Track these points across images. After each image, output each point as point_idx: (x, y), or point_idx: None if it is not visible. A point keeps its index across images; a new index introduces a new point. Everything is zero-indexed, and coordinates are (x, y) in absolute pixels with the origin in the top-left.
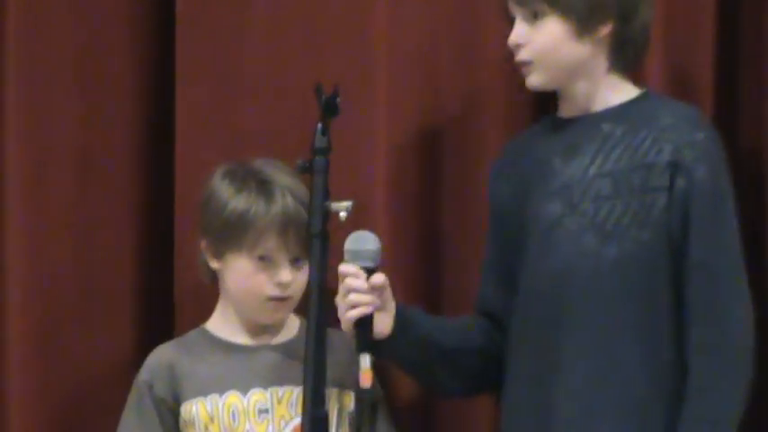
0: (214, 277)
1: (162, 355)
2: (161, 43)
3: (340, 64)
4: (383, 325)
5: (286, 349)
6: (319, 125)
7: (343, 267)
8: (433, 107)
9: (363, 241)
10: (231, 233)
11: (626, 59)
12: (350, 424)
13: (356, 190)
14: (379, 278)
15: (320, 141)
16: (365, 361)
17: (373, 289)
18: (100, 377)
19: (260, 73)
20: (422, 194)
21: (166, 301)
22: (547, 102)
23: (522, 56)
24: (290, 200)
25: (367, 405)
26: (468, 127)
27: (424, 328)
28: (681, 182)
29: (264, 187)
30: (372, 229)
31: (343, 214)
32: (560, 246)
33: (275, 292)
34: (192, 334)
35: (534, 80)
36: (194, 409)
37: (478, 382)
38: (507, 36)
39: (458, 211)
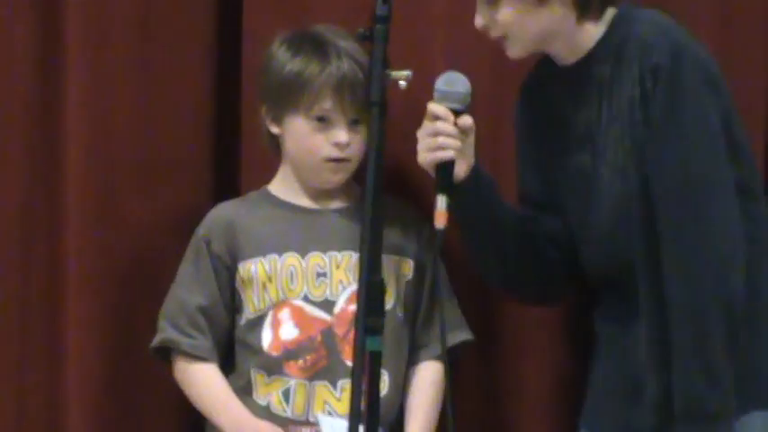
0: (276, 143)
1: (222, 212)
2: None
3: None
4: (459, 170)
5: (346, 214)
6: None
7: (433, 107)
8: None
9: (455, 83)
10: (288, 95)
11: (592, 4)
12: (407, 292)
13: (415, 60)
14: (467, 120)
15: (381, 9)
16: (442, 202)
17: (460, 132)
18: (161, 237)
19: None
20: (475, 61)
21: (233, 170)
22: None
23: (493, 33)
24: (345, 61)
25: (438, 246)
26: None
27: (494, 192)
28: (646, 111)
29: (320, 49)
30: (428, 98)
31: (402, 83)
32: (599, 197)
33: (333, 152)
34: (254, 194)
35: (513, 52)
36: (253, 268)
37: (521, 270)
38: None
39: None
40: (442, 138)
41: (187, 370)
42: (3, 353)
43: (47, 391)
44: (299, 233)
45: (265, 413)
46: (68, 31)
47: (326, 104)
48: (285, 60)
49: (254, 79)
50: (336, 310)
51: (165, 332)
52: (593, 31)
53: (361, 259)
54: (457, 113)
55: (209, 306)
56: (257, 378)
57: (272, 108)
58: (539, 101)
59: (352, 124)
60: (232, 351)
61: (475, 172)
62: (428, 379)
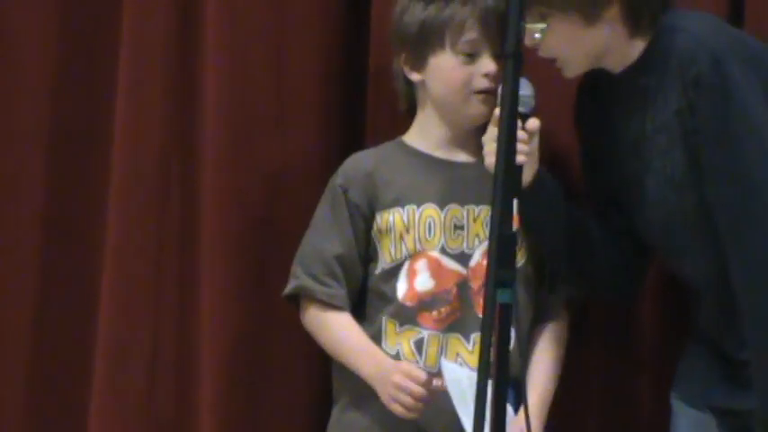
0: (411, 95)
1: (360, 162)
2: None
3: None
4: (526, 174)
5: (483, 168)
6: None
7: (498, 113)
8: None
9: (520, 86)
10: (431, 34)
11: (643, 21)
12: None
13: None
14: (534, 123)
15: None
16: (513, 206)
17: (529, 135)
18: (291, 182)
19: None
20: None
21: (360, 115)
22: None
23: (543, 54)
24: None
25: (512, 247)
26: None
27: (559, 195)
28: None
29: None
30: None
31: (537, 36)
32: (649, 207)
33: (482, 83)
34: (390, 144)
35: (568, 73)
36: (391, 218)
37: (591, 267)
38: None
39: None
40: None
41: (320, 317)
42: (140, 289)
43: (180, 328)
44: (438, 185)
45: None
46: None
47: (473, 36)
48: (423, 4)
49: (383, 27)
50: (472, 263)
51: (300, 279)
52: (641, 41)
53: (493, 211)
54: (524, 117)
55: (344, 255)
56: (388, 326)
57: (412, 54)
58: (592, 106)
59: (498, 57)
60: (363, 300)
61: (540, 176)
62: (551, 337)
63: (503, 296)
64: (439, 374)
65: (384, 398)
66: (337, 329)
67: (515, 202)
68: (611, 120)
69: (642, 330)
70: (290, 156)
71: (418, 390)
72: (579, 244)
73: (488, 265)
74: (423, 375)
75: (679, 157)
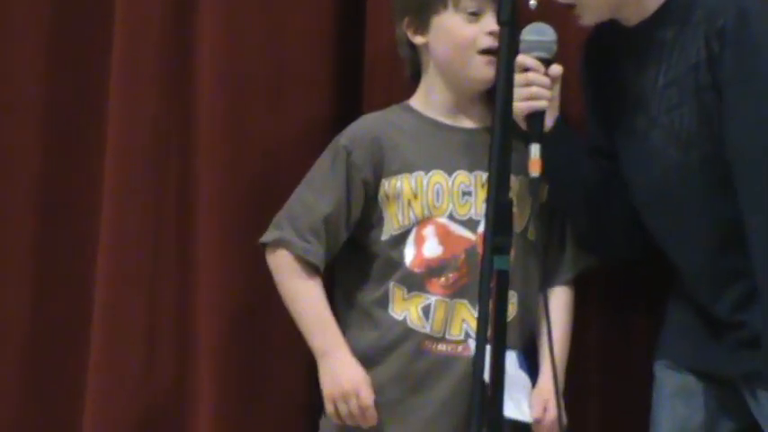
0: (417, 63)
1: (367, 124)
2: None
3: None
4: (547, 120)
5: (487, 134)
6: None
7: (524, 59)
8: None
9: (541, 32)
10: None
11: None
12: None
13: None
14: (556, 69)
15: None
16: (536, 150)
17: (552, 81)
18: (289, 151)
19: None
20: None
21: (357, 80)
22: None
23: (563, 0)
24: None
25: (536, 192)
26: None
27: (578, 143)
28: (717, 74)
29: None
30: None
31: (532, 2)
32: (650, 162)
33: (487, 41)
34: (397, 108)
35: (585, 20)
36: (399, 184)
37: (607, 219)
38: None
39: None
40: (535, 88)
41: (292, 268)
42: (137, 263)
43: (177, 301)
44: (446, 151)
45: (401, 327)
46: None
47: None
48: None
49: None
50: (480, 229)
51: (284, 231)
52: None
53: (490, 177)
54: (546, 63)
55: (332, 214)
56: (396, 292)
57: (415, 17)
58: (600, 61)
59: None
60: (370, 264)
61: (560, 122)
62: (561, 303)
63: (500, 262)
64: (443, 340)
65: (326, 388)
66: (304, 292)
67: (538, 147)
68: (621, 74)
69: (638, 309)
70: (289, 128)
71: (359, 415)
72: (598, 195)
73: (485, 231)
74: (371, 403)
75: (688, 113)
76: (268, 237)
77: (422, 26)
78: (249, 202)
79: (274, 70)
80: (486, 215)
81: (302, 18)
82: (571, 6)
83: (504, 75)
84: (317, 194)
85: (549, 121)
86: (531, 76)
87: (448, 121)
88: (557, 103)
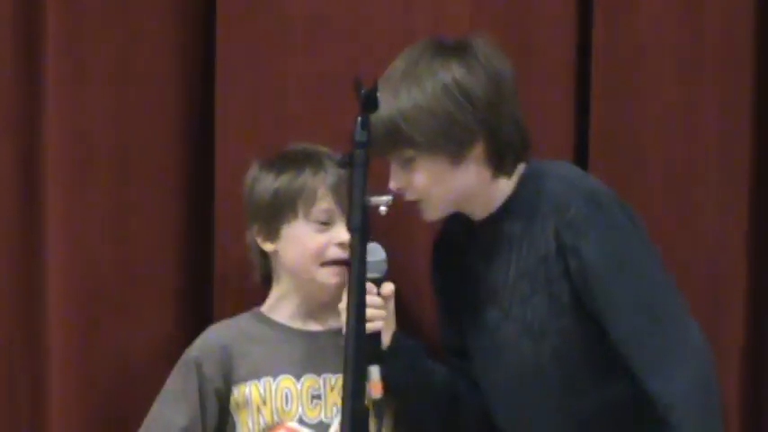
0: (267, 268)
1: (215, 335)
2: (202, 35)
3: (380, 56)
4: (384, 338)
5: (339, 336)
6: (359, 119)
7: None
8: None
9: (370, 253)
10: (284, 204)
11: (506, 162)
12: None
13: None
14: (388, 288)
15: (360, 135)
16: (375, 372)
17: (384, 300)
18: (141, 365)
19: (300, 65)
20: None
21: (206, 290)
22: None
23: (409, 197)
24: (336, 166)
25: (381, 414)
26: None
27: (419, 354)
28: (573, 263)
29: (310, 157)
30: (410, 222)
31: (383, 209)
32: (504, 354)
33: (336, 252)
34: (247, 316)
35: (429, 215)
36: (247, 390)
37: (456, 425)
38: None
39: None
40: (369, 310)
41: None
42: None
43: None
44: (294, 355)
45: None
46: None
47: (325, 205)
48: (272, 178)
49: (229, 196)
50: (332, 431)
51: None
52: (504, 186)
53: (344, 384)
54: (378, 282)
55: (188, 427)
56: None
57: (265, 225)
58: (449, 258)
59: None
60: None
61: (397, 337)
62: None
63: None
64: None
65: None
66: None
67: (377, 368)
68: (473, 267)
69: None
70: (140, 338)
71: None
72: (447, 400)
73: None
74: None
75: (539, 303)
76: None
77: (272, 234)
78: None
79: (122, 281)
80: (342, 421)
81: (149, 229)
82: (416, 203)
83: (357, 281)
84: (172, 409)
85: (386, 338)
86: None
87: (299, 326)
88: (392, 319)
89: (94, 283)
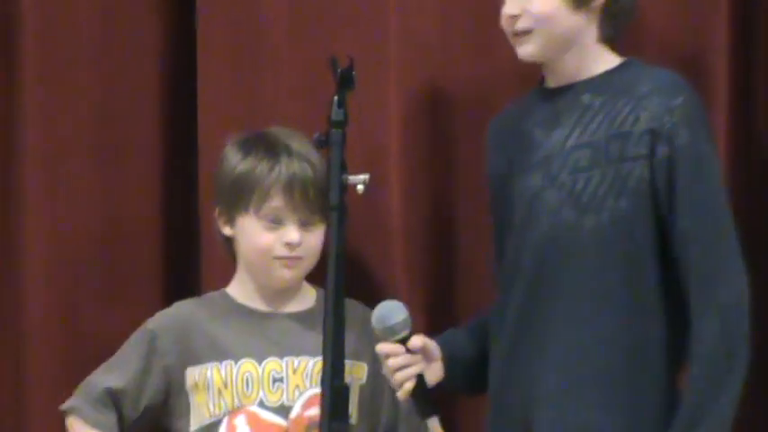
0: (230, 246)
1: (178, 311)
2: (181, 22)
3: (354, 37)
4: (435, 373)
5: (302, 319)
6: (335, 98)
7: (380, 349)
8: (445, 78)
9: (389, 316)
10: (238, 195)
11: (615, 29)
12: (361, 396)
13: (370, 161)
14: (417, 342)
15: (336, 114)
16: (433, 423)
17: (416, 354)
18: None
19: (279, 45)
20: (433, 164)
21: (189, 276)
22: None
23: (521, 24)
24: (296, 160)
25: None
26: (480, 98)
27: (466, 350)
28: (662, 149)
29: (271, 149)
30: (386, 199)
31: (360, 187)
32: (540, 219)
33: (283, 251)
34: (213, 295)
35: (529, 49)
36: (208, 373)
37: None
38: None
39: (470, 180)
40: (399, 374)
41: None
42: None
43: None
44: (256, 338)
45: None
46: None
47: (276, 204)
48: (236, 161)
49: (212, 182)
50: (293, 415)
51: (76, 399)
52: (599, 61)
53: (324, 363)
54: (404, 341)
55: (118, 389)
56: None
57: (224, 210)
58: (506, 127)
59: (305, 224)
60: None
61: (446, 354)
62: None
63: None
64: None
65: None
66: None
67: (435, 419)
68: (526, 136)
69: None
70: (117, 324)
71: None
72: (482, 368)
73: (321, 416)
74: None
75: (597, 178)
76: (64, 405)
77: (230, 220)
78: None
79: (105, 272)
80: (323, 400)
81: (133, 217)
82: (524, 33)
83: (335, 259)
84: (104, 371)
85: (437, 369)
86: (391, 363)
87: (262, 307)
88: (436, 353)
89: (74, 270)
